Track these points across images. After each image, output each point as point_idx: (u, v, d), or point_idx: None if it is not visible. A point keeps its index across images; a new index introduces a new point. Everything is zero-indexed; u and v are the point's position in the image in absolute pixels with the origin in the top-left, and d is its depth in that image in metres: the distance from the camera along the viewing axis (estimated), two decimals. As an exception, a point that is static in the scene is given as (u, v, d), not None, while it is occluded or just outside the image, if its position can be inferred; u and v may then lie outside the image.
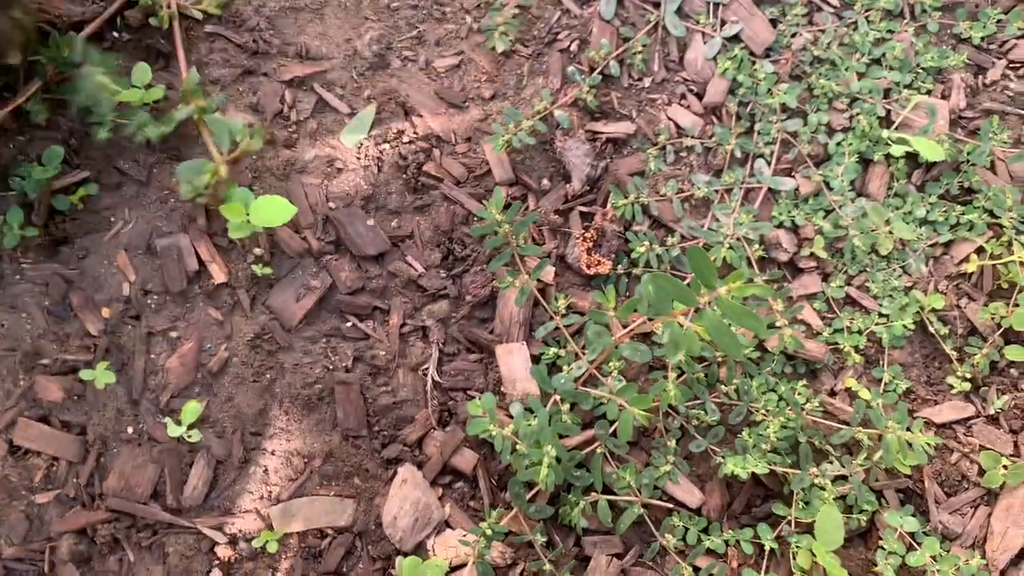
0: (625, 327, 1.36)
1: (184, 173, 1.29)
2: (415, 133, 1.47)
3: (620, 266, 1.45)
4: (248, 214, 1.30)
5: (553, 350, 1.37)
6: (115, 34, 1.46)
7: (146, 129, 1.31)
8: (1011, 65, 1.65)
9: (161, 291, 1.35)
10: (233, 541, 1.27)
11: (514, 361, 1.36)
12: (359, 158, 1.44)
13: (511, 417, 1.31)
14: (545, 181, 1.49)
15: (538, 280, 1.39)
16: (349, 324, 1.38)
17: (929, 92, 1.61)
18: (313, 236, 1.40)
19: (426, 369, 1.37)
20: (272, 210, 1.30)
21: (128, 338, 1.33)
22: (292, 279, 1.37)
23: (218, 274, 1.35)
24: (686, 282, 1.38)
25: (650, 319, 1.37)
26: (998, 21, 1.65)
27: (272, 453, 1.31)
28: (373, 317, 1.39)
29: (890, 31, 1.63)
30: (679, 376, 1.36)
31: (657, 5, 1.59)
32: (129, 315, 1.34)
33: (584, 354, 1.36)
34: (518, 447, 1.24)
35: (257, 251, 1.37)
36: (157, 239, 1.37)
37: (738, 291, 1.04)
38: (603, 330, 1.28)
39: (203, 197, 1.31)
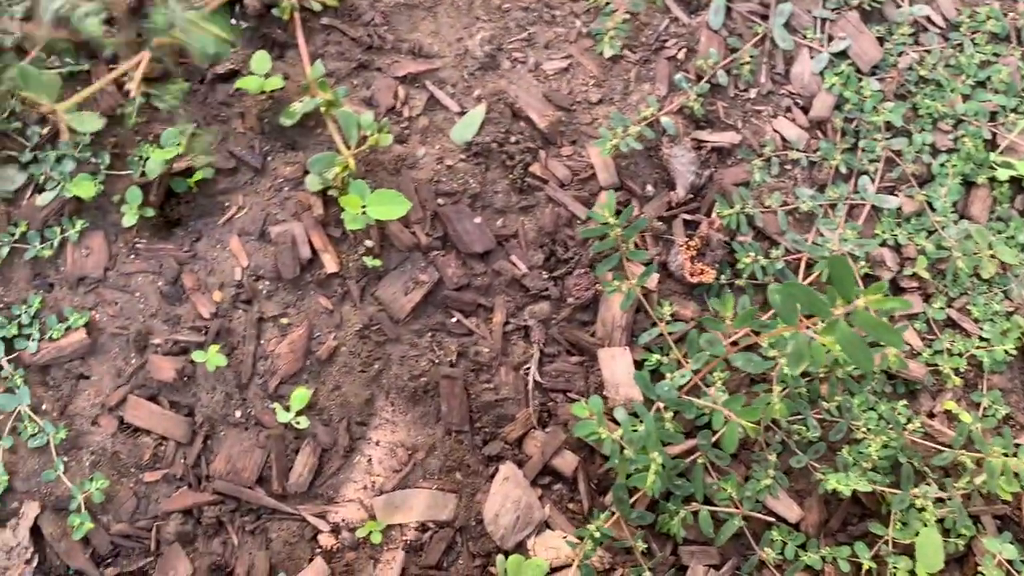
0: (727, 337, 1.36)
1: (315, 165, 1.31)
2: (522, 134, 1.47)
3: (723, 276, 1.45)
4: (365, 207, 1.31)
5: (656, 356, 1.37)
6: (232, 21, 1.47)
7: (280, 117, 1.32)
8: (1120, 93, 1.63)
9: (273, 277, 1.36)
10: (336, 530, 1.27)
11: (617, 366, 1.36)
12: (468, 156, 1.45)
13: (614, 422, 1.31)
14: (649, 187, 1.49)
15: (641, 286, 1.39)
16: (454, 320, 1.38)
17: (1035, 117, 1.59)
18: (422, 231, 1.40)
19: (527, 369, 1.37)
20: (388, 204, 1.31)
21: (239, 322, 1.34)
22: (401, 272, 1.37)
23: (330, 264, 1.35)
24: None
25: (756, 332, 1.36)
26: (1106, 48, 1.63)
27: (377, 443, 1.32)
28: (477, 314, 1.39)
29: (996, 54, 1.62)
30: (783, 390, 1.35)
31: (765, 18, 1.59)
32: (241, 299, 1.35)
33: (687, 362, 1.36)
34: (625, 452, 1.23)
35: (368, 243, 1.37)
36: (271, 226, 1.38)
37: (877, 304, 1.03)
38: (716, 338, 1.28)
39: (332, 190, 1.32)
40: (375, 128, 1.33)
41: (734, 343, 1.31)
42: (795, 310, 1.10)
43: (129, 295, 1.36)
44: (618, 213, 1.37)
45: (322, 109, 1.37)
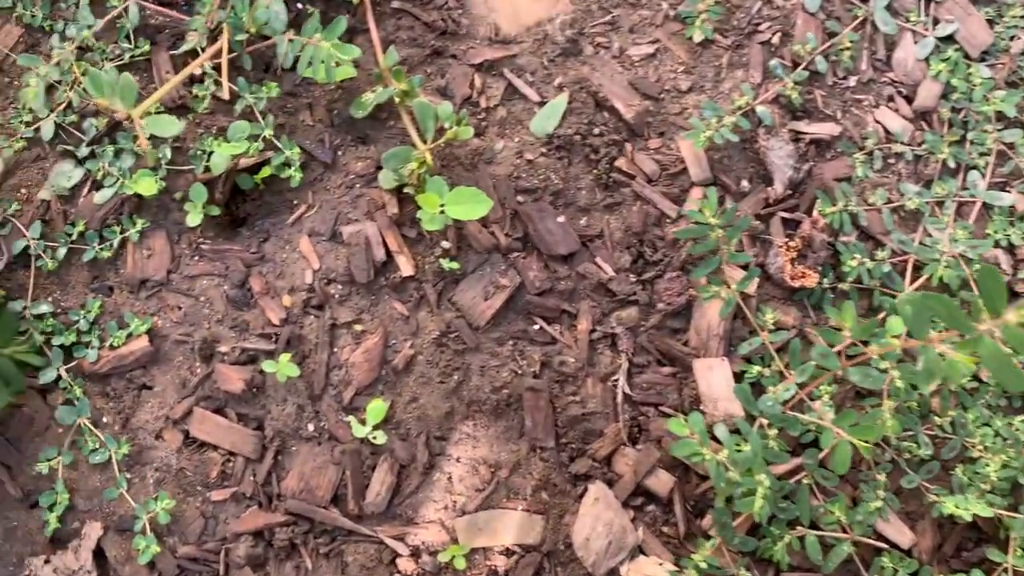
0: (831, 346, 1.25)
1: (389, 160, 1.21)
2: (607, 126, 1.37)
3: (826, 280, 1.34)
4: (443, 205, 1.22)
5: (756, 368, 1.27)
6: (299, 5, 1.38)
7: (351, 108, 1.23)
8: None
9: (346, 281, 1.27)
10: (416, 554, 1.19)
11: (714, 378, 1.26)
12: (549, 150, 1.35)
13: (715, 439, 1.21)
14: (744, 182, 1.38)
15: (741, 292, 1.28)
16: (537, 327, 1.29)
17: None
18: (501, 231, 1.31)
19: (616, 380, 1.28)
20: (468, 203, 1.21)
21: (310, 329, 1.25)
22: (480, 276, 1.28)
23: (406, 266, 1.26)
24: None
25: (865, 342, 1.25)
26: None
27: (457, 460, 1.23)
28: (561, 320, 1.30)
29: (1116, 36, 1.49)
30: (894, 405, 1.25)
31: (865, 0, 1.47)
32: (312, 305, 1.26)
33: (790, 374, 1.25)
34: (729, 473, 1.14)
35: (445, 244, 1.28)
36: (342, 226, 1.29)
37: (1028, 321, 0.93)
38: (830, 351, 1.17)
39: (408, 187, 1.23)
40: (454, 120, 1.23)
41: (846, 355, 1.20)
42: (928, 323, 1.00)
43: (193, 299, 1.28)
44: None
45: (396, 100, 1.27)
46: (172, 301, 1.28)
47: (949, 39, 1.47)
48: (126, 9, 1.37)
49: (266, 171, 1.29)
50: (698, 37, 1.43)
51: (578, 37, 1.42)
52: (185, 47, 1.33)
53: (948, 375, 1.00)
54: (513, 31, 1.40)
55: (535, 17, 1.42)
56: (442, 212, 1.22)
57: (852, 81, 1.45)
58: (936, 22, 1.47)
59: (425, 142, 1.23)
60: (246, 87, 1.32)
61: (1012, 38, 1.48)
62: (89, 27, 1.37)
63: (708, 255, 1.25)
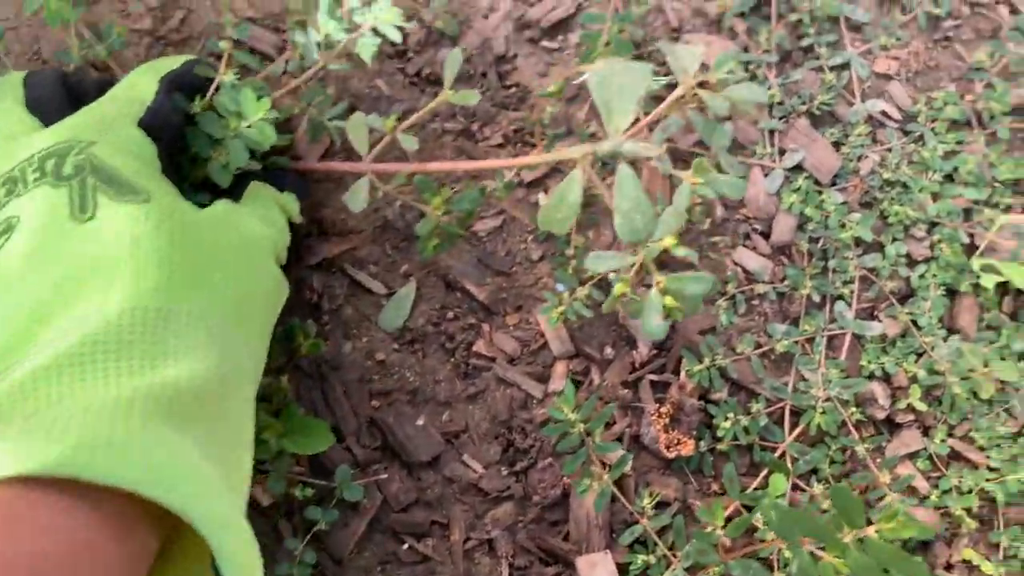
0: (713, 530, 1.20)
1: None
2: (461, 308, 1.31)
3: (703, 442, 1.29)
4: (284, 438, 1.13)
5: (642, 557, 1.21)
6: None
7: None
8: (1092, 168, 1.51)
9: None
10: None
11: (598, 575, 1.20)
12: (401, 345, 1.28)
13: (604, 646, 1.14)
14: (608, 349, 1.33)
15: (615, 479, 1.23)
16: (406, 546, 1.21)
17: (1009, 207, 1.47)
18: (357, 444, 1.23)
19: (498, 588, 1.20)
20: (310, 437, 1.13)
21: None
22: (337, 498, 1.20)
23: (261, 496, 1.17)
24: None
25: (747, 507, 1.21)
26: (1072, 120, 1.52)
27: None
28: (431, 533, 1.22)
29: (959, 142, 1.50)
30: (787, 577, 1.20)
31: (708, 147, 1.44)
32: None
33: (676, 558, 1.20)
34: None
35: (296, 469, 1.20)
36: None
37: (891, 532, 0.89)
38: (708, 548, 1.12)
39: None
40: (308, 331, 1.17)
41: (728, 549, 1.15)
42: (796, 533, 0.95)
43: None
44: (577, 385, 1.22)
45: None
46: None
47: (798, 168, 1.45)
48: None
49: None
50: (544, 200, 1.38)
51: (419, 219, 1.35)
52: None
53: (822, 579, 0.96)
54: (349, 222, 1.34)
55: (373, 203, 1.35)
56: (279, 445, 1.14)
57: (706, 224, 1.41)
58: (782, 152, 1.45)
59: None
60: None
61: (860, 158, 1.47)
62: None
63: (576, 449, 1.19)
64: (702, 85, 0.82)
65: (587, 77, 0.80)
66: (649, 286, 0.86)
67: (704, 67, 0.84)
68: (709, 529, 1.14)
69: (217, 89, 1.01)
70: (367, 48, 1.06)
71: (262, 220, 1.02)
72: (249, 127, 1.01)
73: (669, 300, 0.85)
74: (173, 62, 1.03)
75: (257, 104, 1.01)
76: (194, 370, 0.70)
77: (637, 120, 0.82)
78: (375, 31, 1.05)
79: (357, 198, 1.03)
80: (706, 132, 0.91)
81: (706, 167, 0.81)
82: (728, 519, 1.20)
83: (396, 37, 1.04)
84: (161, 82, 0.97)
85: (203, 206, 0.93)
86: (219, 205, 0.94)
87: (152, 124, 0.91)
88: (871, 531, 0.90)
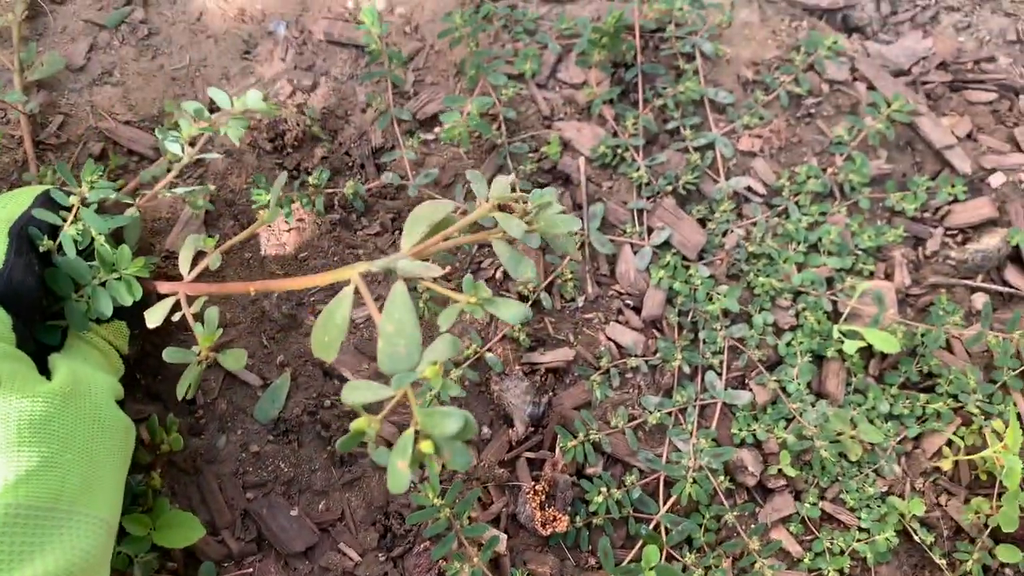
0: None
1: None
2: (336, 395, 1.33)
3: (579, 517, 1.32)
4: (153, 530, 1.14)
5: (515, 638, 1.22)
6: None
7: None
8: (948, 232, 1.60)
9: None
10: None
11: (473, 657, 1.21)
12: (276, 436, 1.30)
13: None
14: (485, 429, 1.36)
15: (487, 560, 1.25)
16: (281, 639, 1.21)
17: (872, 274, 1.54)
18: (232, 536, 1.24)
19: (374, 676, 1.21)
20: (180, 529, 1.14)
21: None
22: (211, 595, 1.20)
23: (126, 604, 1.17)
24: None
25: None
26: (927, 189, 1.61)
27: None
28: (308, 624, 1.22)
29: (823, 213, 1.58)
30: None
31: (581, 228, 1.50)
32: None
33: (550, 636, 1.21)
34: None
35: (171, 565, 1.20)
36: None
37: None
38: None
39: None
40: (167, 428, 1.18)
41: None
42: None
43: None
44: (450, 471, 1.24)
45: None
46: None
47: (666, 245, 1.51)
48: None
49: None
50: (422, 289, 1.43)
51: (297, 309, 1.39)
52: None
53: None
54: (227, 314, 1.37)
55: (251, 297, 1.39)
56: (150, 542, 1.15)
57: (580, 301, 1.46)
58: (651, 231, 1.52)
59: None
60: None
61: (725, 233, 1.54)
62: None
63: (443, 534, 1.21)
64: (503, 209, 0.81)
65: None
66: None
67: (513, 188, 0.85)
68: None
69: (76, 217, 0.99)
70: (234, 130, 1.10)
71: (98, 367, 1.00)
72: (119, 279, 1.02)
73: (426, 445, 0.69)
74: (21, 201, 0.97)
75: (132, 261, 1.02)
76: (57, 564, 0.72)
77: (425, 240, 0.80)
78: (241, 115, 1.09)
79: (155, 316, 1.02)
80: (510, 263, 0.84)
81: (482, 288, 0.82)
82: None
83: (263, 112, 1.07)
84: (10, 236, 0.90)
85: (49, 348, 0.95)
86: (63, 369, 0.89)
87: (5, 295, 0.86)
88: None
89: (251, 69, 1.53)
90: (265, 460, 1.29)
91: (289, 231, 1.41)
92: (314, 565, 1.25)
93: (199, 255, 1.11)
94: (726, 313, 1.48)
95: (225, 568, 1.22)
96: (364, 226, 1.46)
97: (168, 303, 1.02)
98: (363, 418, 0.72)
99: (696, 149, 1.58)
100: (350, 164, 1.50)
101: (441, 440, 0.69)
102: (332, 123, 1.51)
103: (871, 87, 1.70)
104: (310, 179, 1.44)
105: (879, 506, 1.40)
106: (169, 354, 1.03)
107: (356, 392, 0.72)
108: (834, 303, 1.50)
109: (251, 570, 1.22)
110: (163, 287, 1.08)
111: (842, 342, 1.46)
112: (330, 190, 1.45)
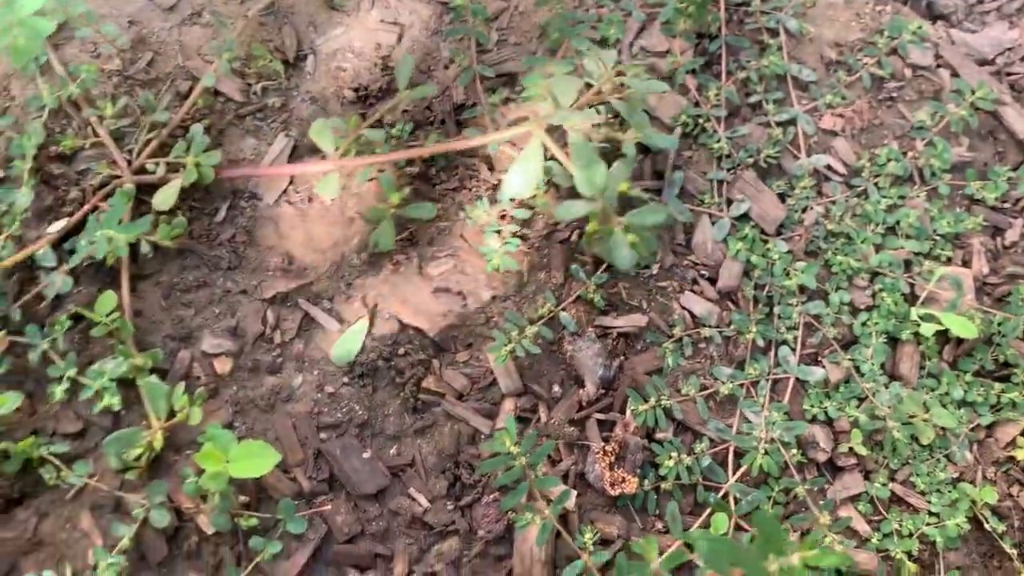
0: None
1: (112, 446, 1.15)
2: (412, 344, 1.34)
3: (647, 481, 1.31)
4: (228, 461, 1.15)
5: (583, 593, 1.21)
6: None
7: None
8: (1028, 224, 1.58)
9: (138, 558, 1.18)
10: None
11: (539, 610, 1.20)
12: (352, 379, 1.30)
13: None
14: (556, 388, 1.36)
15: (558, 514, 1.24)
16: (349, 578, 1.21)
17: (949, 260, 1.52)
18: (304, 475, 1.24)
19: (439, 624, 1.21)
20: (254, 458, 1.14)
21: (94, 620, 1.15)
22: (282, 529, 1.20)
23: (206, 525, 1.18)
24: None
25: (689, 546, 1.22)
26: (1008, 179, 1.58)
27: None
28: (375, 566, 1.22)
29: (902, 197, 1.56)
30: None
31: (658, 191, 1.49)
32: (96, 591, 1.16)
33: (618, 594, 1.20)
34: None
35: (242, 498, 1.21)
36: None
37: (814, 559, 0.92)
38: (644, 584, 1.13)
39: (133, 471, 1.16)
40: (186, 402, 1.19)
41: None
42: (724, 563, 0.97)
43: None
44: (522, 425, 1.24)
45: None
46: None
47: (744, 217, 1.50)
48: None
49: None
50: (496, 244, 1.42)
51: (376, 255, 1.39)
52: None
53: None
54: (308, 258, 1.37)
55: (330, 240, 1.39)
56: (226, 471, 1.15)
57: (655, 269, 1.46)
58: (730, 202, 1.50)
59: (159, 421, 1.18)
60: None
61: (805, 209, 1.53)
62: None
63: (516, 484, 1.21)
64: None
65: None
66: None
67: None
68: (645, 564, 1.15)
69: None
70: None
71: None
72: None
73: (631, 237, 1.10)
74: None
75: None
76: None
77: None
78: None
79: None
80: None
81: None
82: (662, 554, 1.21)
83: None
84: None
85: None
86: None
87: None
88: (795, 559, 0.92)
89: (338, 19, 1.53)
90: (340, 401, 1.29)
91: (370, 181, 1.41)
92: (384, 508, 1.25)
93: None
94: (802, 289, 1.47)
95: (296, 506, 1.22)
96: (443, 180, 1.46)
97: (335, 176, 1.27)
98: (593, 219, 1.13)
99: (778, 124, 1.56)
100: (431, 119, 1.50)
101: (641, 231, 1.11)
102: (415, 77, 1.51)
103: (955, 74, 1.68)
104: (392, 131, 1.44)
105: (950, 491, 1.38)
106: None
107: (570, 209, 1.13)
108: (911, 286, 1.48)
109: (329, 507, 1.22)
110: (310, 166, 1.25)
111: (919, 324, 1.44)
112: (412, 144, 1.45)
